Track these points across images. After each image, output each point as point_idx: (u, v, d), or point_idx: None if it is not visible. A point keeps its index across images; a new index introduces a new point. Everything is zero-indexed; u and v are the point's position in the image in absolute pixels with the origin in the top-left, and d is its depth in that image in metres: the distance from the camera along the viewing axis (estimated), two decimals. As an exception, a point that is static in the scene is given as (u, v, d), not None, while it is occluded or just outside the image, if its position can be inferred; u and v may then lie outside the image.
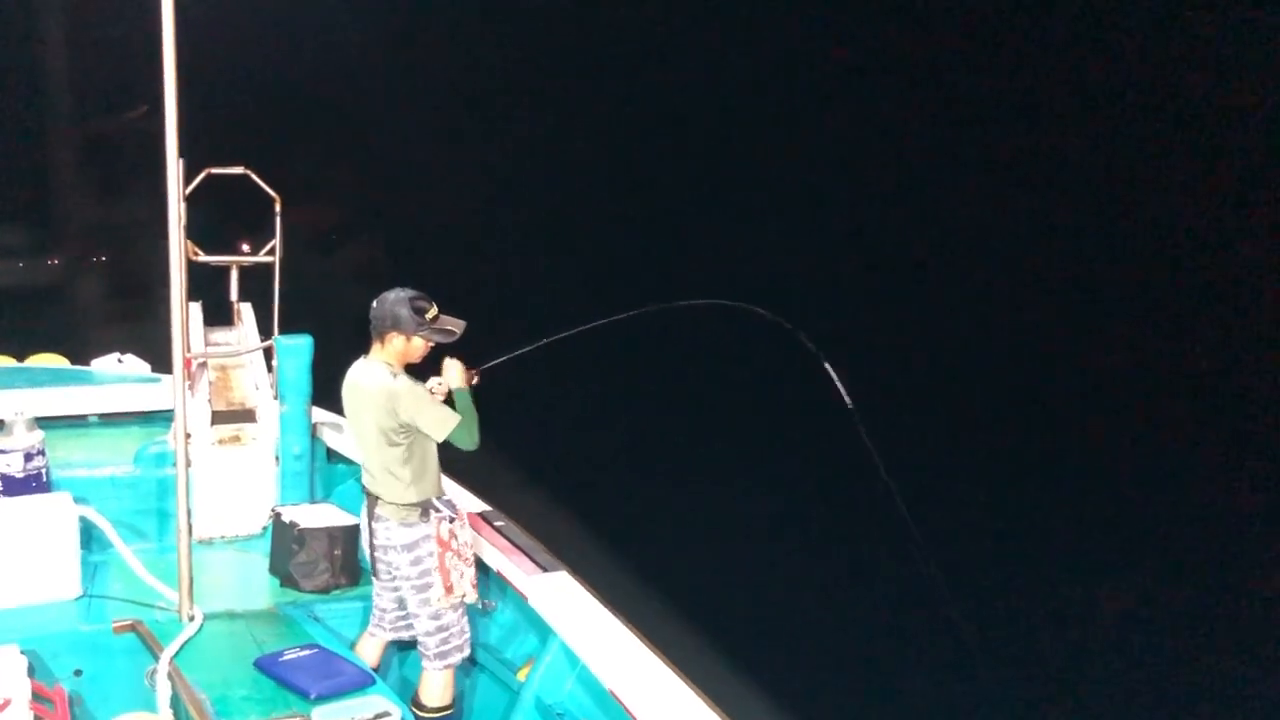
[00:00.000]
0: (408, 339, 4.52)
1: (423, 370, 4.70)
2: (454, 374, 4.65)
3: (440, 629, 4.59)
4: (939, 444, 13.06)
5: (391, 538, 4.58)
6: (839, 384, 4.51)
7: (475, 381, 4.69)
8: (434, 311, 4.55)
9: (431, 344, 4.59)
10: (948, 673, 8.00)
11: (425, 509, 4.55)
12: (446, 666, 4.63)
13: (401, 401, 4.43)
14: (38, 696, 4.09)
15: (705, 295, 5.16)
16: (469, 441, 4.47)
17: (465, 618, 4.69)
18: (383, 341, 4.55)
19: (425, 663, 4.65)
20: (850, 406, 4.45)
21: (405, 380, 4.48)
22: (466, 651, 4.70)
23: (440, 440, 4.48)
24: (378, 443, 4.51)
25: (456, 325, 4.62)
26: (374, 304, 4.57)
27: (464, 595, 4.63)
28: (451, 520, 4.59)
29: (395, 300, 4.52)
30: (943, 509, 10.77)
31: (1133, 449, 13.03)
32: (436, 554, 4.53)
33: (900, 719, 7.99)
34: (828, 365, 4.54)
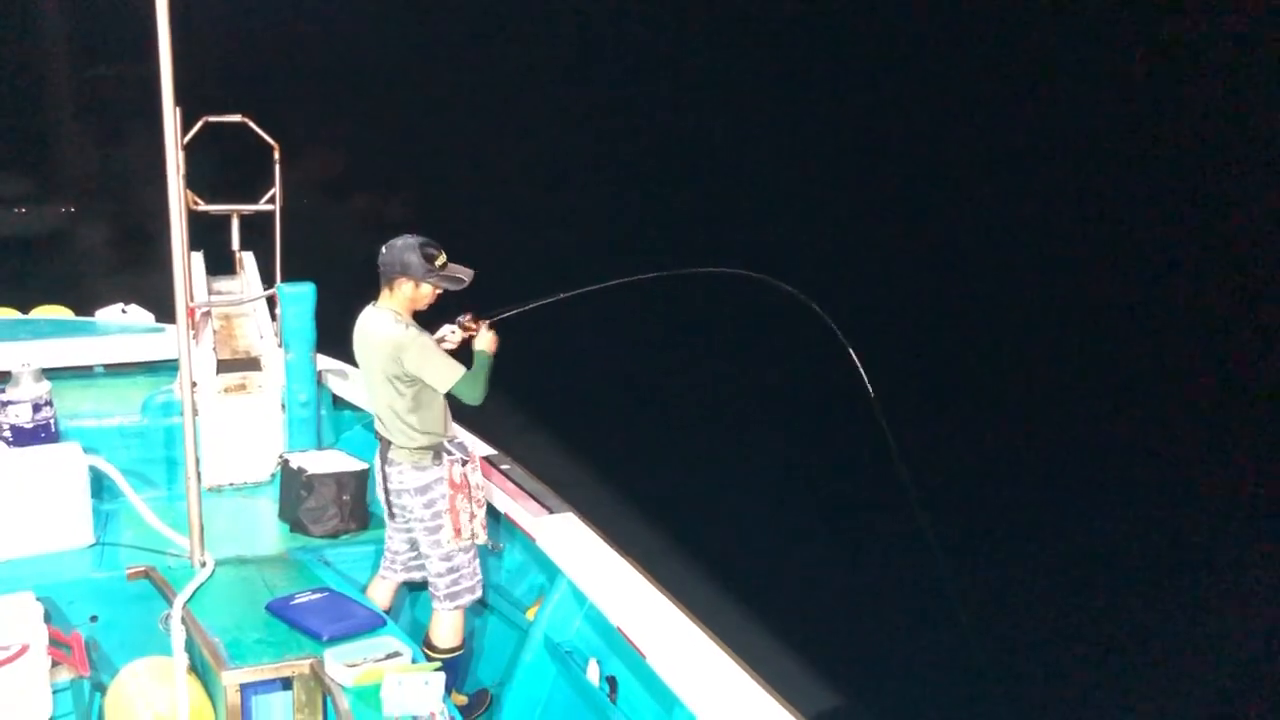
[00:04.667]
0: (416, 285, 4.53)
1: (430, 317, 4.72)
2: (485, 339, 4.66)
3: (451, 570, 4.65)
4: (952, 412, 13.10)
5: (405, 481, 4.63)
6: (858, 362, 4.49)
7: (491, 332, 4.69)
8: (443, 259, 4.55)
9: (440, 291, 4.59)
10: (944, 624, 8.09)
11: (437, 452, 4.60)
12: (456, 607, 4.70)
13: (407, 352, 4.45)
14: (55, 642, 4.16)
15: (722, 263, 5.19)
16: (472, 396, 4.50)
17: (476, 559, 4.75)
18: (391, 288, 4.56)
19: (435, 604, 4.72)
20: (871, 393, 4.45)
21: (412, 330, 4.50)
22: (478, 594, 4.77)
23: (444, 392, 4.51)
24: (386, 389, 4.54)
25: (465, 273, 4.60)
26: (383, 250, 4.57)
27: (473, 537, 4.69)
28: (464, 463, 4.64)
29: (404, 246, 4.52)
30: (948, 462, 10.85)
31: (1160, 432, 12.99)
32: (448, 496, 4.59)
33: (899, 651, 8.07)
34: (851, 351, 4.53)
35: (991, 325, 15.53)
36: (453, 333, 4.77)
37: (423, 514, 4.64)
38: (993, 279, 16.59)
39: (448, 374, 4.47)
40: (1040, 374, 14.54)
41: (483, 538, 4.74)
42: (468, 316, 4.75)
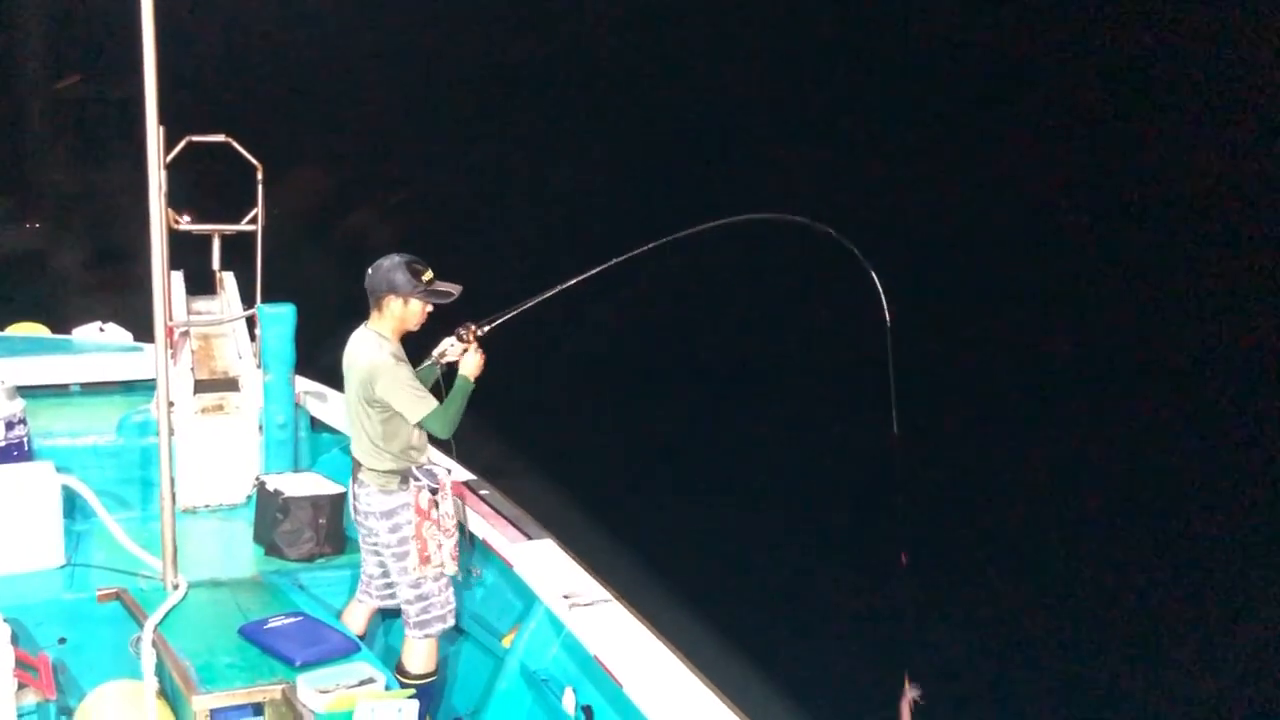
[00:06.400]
0: (405, 302, 4.51)
1: (420, 338, 4.70)
2: (470, 363, 4.61)
3: (420, 598, 4.61)
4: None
5: (371, 504, 4.59)
6: (880, 289, 4.24)
7: (479, 356, 4.64)
8: (430, 275, 4.54)
9: (429, 309, 4.58)
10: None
11: (405, 477, 4.56)
12: (426, 636, 4.64)
13: (380, 378, 4.43)
14: (22, 664, 4.10)
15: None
16: (442, 429, 4.47)
17: (449, 588, 4.70)
18: (380, 308, 4.54)
19: (407, 630, 4.68)
20: (888, 321, 4.24)
21: (389, 357, 4.47)
22: (449, 622, 4.71)
23: (413, 423, 4.48)
24: (360, 409, 4.53)
25: (453, 288, 4.59)
26: (369, 271, 4.56)
27: (442, 566, 4.63)
28: (434, 491, 4.60)
29: (391, 265, 4.50)
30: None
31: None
32: (414, 523, 4.55)
33: (884, 683, 8.03)
34: (873, 273, 4.23)
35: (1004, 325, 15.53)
36: (452, 346, 4.71)
37: (389, 539, 4.59)
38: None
39: (417, 406, 4.43)
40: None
41: (452, 568, 4.67)
42: (466, 326, 4.71)
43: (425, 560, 4.56)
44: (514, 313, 4.73)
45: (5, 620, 4.18)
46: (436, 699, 4.85)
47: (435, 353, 4.73)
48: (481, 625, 5.08)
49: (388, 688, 3.87)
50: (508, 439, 10.05)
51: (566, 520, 6.01)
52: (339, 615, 4.88)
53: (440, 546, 4.60)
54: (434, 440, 4.74)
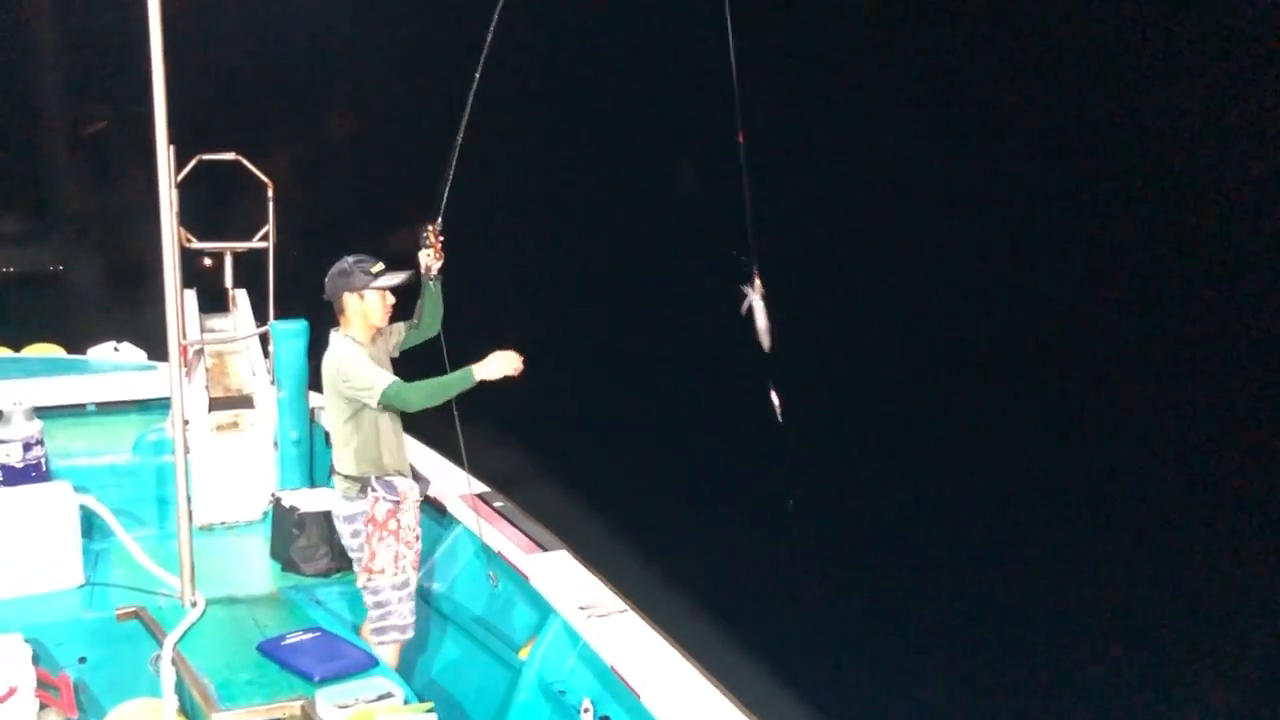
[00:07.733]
0: (360, 296, 4.62)
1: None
2: (492, 365, 4.56)
3: (377, 605, 4.63)
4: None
5: (338, 508, 4.68)
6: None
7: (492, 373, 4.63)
8: (380, 266, 4.66)
9: (390, 299, 4.67)
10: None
11: (364, 485, 4.60)
12: (381, 644, 4.62)
13: (343, 367, 4.51)
14: (43, 684, 4.13)
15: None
16: (406, 398, 4.45)
17: (410, 602, 4.67)
18: (343, 310, 4.66)
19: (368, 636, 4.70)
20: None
21: (353, 349, 4.55)
22: (407, 635, 4.69)
23: (374, 404, 4.47)
24: (333, 411, 4.62)
25: (403, 273, 4.70)
26: (325, 281, 4.69)
27: (398, 575, 4.62)
28: (395, 504, 4.59)
29: (340, 268, 4.66)
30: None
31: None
32: (365, 533, 4.58)
33: (900, 689, 8.00)
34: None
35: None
36: (426, 254, 4.75)
37: (351, 543, 4.67)
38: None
39: (373, 385, 4.44)
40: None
41: (413, 582, 4.68)
42: (423, 228, 4.74)
43: (368, 570, 4.58)
44: (449, 179, 4.73)
45: (26, 640, 4.21)
46: (454, 712, 4.86)
47: (422, 270, 4.79)
48: (498, 637, 5.08)
49: (406, 702, 3.87)
50: (521, 450, 10.06)
51: (581, 531, 5.99)
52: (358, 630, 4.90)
53: (398, 557, 4.61)
54: (443, 449, 4.76)
